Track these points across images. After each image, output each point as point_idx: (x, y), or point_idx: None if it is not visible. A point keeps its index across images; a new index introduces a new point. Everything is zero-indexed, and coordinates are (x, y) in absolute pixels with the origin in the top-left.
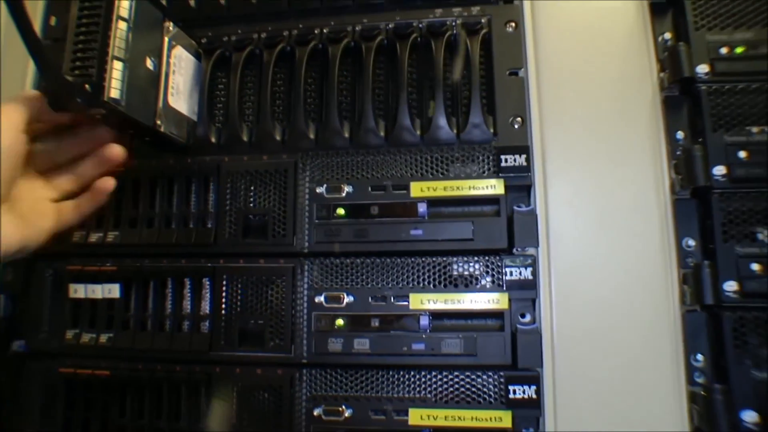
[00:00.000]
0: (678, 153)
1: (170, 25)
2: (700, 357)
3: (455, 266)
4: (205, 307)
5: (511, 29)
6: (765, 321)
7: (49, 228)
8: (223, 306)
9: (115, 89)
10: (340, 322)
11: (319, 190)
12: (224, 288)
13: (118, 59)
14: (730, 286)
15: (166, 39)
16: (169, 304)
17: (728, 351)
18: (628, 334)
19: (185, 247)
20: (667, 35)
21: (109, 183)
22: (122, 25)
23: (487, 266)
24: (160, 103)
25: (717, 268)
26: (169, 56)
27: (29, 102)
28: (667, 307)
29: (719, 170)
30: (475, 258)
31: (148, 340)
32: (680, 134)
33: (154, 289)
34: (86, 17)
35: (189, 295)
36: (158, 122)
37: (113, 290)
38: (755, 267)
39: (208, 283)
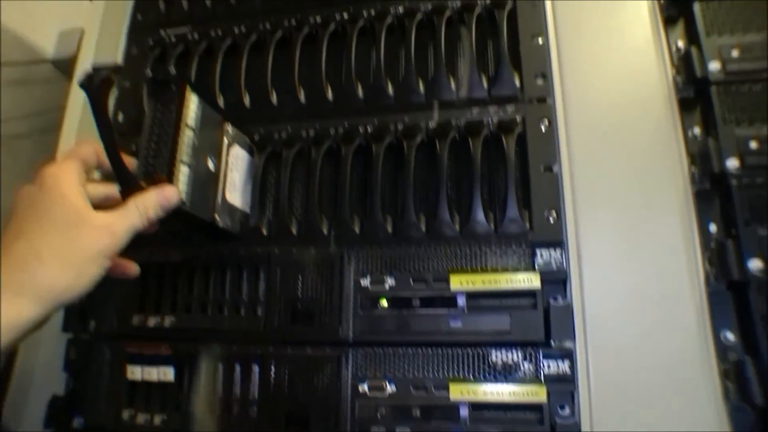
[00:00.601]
0: (711, 245)
1: (229, 127)
2: None
3: (493, 357)
4: (254, 391)
5: (544, 127)
6: None
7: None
8: (271, 391)
9: (181, 191)
10: (382, 410)
11: (363, 282)
12: (272, 373)
13: (184, 163)
14: None
15: (225, 140)
16: (219, 388)
17: None
18: (670, 430)
19: (236, 333)
20: (696, 129)
21: (134, 269)
22: (189, 133)
23: (525, 358)
24: (218, 199)
25: (761, 364)
26: (227, 155)
27: (82, 157)
28: (709, 402)
29: (754, 264)
30: (513, 349)
31: (199, 423)
32: (713, 227)
33: (207, 373)
34: (158, 126)
35: (239, 379)
36: (216, 217)
37: (168, 373)
38: None
39: (256, 368)
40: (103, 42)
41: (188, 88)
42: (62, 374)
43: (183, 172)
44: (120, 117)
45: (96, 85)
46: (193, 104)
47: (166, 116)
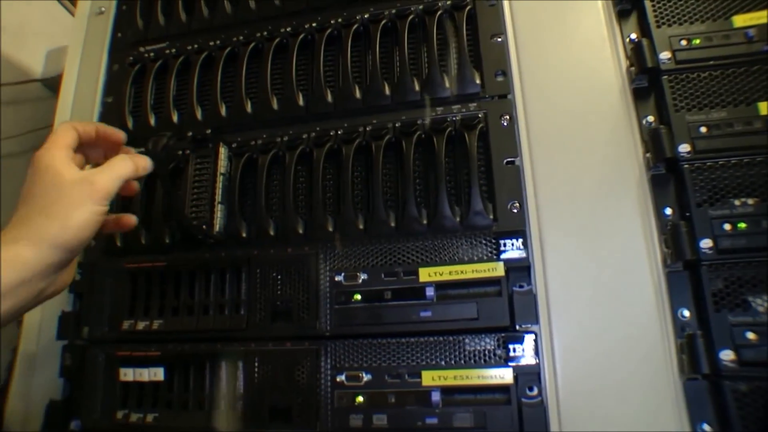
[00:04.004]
0: (667, 228)
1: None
2: (706, 427)
3: (463, 344)
4: (239, 387)
5: (505, 122)
6: (763, 390)
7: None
8: (255, 386)
9: (217, 225)
10: (359, 399)
11: (338, 278)
12: (256, 369)
13: (220, 203)
14: (726, 354)
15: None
16: (207, 385)
17: (732, 420)
18: (631, 403)
19: (221, 332)
20: (650, 118)
21: (132, 221)
22: (221, 178)
23: (493, 343)
24: None
25: (711, 337)
26: None
27: (79, 130)
28: (666, 376)
29: (706, 243)
30: (481, 335)
31: (189, 419)
32: (668, 210)
33: (194, 371)
34: (198, 174)
35: (225, 376)
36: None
37: (158, 373)
38: (750, 335)
39: (241, 364)
40: (87, 59)
41: (221, 144)
42: (59, 380)
43: (219, 210)
44: None
45: (159, 150)
46: (223, 155)
47: (205, 167)
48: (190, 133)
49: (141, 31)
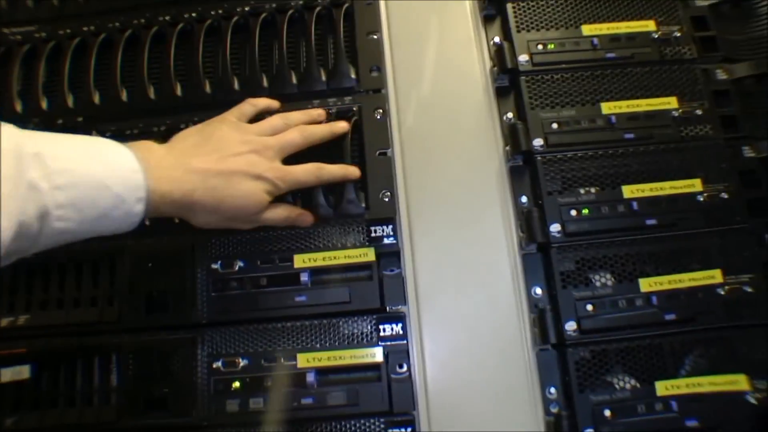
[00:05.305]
0: (523, 214)
1: None
2: (552, 389)
3: (337, 326)
4: (113, 380)
5: (379, 116)
6: (600, 353)
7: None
8: (130, 378)
9: None
10: (236, 384)
11: (214, 266)
12: (130, 361)
13: None
14: (570, 326)
15: None
16: (79, 380)
17: (572, 381)
18: (490, 373)
19: (93, 326)
20: (510, 114)
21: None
22: None
23: (365, 324)
24: None
25: (558, 311)
26: None
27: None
28: (521, 347)
29: (555, 228)
30: (354, 318)
31: (56, 418)
32: (524, 198)
33: (65, 366)
34: None
35: (98, 370)
36: None
37: (23, 371)
38: (589, 308)
39: (115, 357)
40: None
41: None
42: None
43: None
44: None
45: None
46: None
47: None
48: (60, 121)
49: (5, 11)
